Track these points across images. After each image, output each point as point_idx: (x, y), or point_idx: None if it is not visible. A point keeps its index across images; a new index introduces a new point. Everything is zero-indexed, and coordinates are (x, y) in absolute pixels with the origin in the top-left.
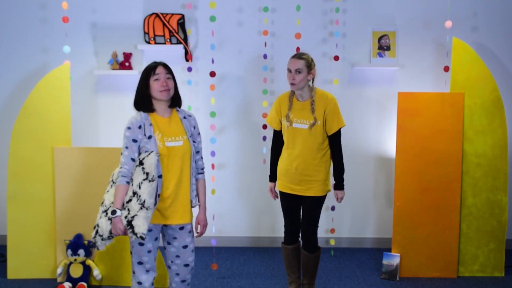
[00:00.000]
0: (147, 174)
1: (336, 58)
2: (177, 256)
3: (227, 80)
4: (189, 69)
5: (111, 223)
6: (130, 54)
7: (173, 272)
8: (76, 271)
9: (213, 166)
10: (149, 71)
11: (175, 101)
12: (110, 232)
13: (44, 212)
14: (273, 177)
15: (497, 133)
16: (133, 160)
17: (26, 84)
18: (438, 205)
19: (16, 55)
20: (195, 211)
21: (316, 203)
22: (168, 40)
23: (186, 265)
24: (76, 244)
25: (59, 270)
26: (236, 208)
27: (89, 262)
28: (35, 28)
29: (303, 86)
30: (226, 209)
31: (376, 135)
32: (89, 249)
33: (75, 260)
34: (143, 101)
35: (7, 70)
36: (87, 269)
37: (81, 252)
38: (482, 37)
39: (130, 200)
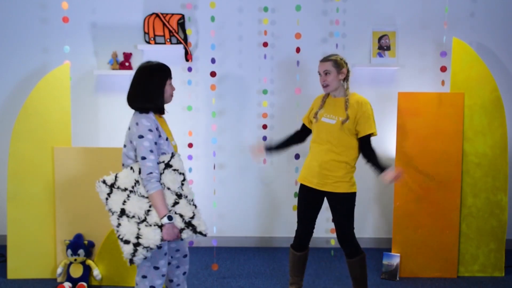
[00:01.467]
0: (183, 174)
1: None
2: (177, 250)
3: (227, 80)
4: (189, 69)
5: (161, 230)
6: (130, 54)
7: (174, 266)
8: (76, 271)
9: (213, 166)
10: (169, 72)
11: None
12: (161, 240)
13: (44, 212)
14: (270, 145)
15: (497, 133)
16: (158, 163)
17: (26, 84)
18: (438, 205)
19: (16, 55)
20: None
21: (340, 202)
22: (168, 40)
23: (185, 256)
24: (76, 244)
25: (59, 270)
26: (237, 208)
27: (89, 262)
28: (35, 28)
29: (337, 86)
30: (227, 209)
31: (376, 135)
32: (89, 249)
33: (75, 260)
34: (160, 102)
35: (7, 70)
36: (87, 269)
37: (81, 252)
38: (482, 37)
39: (176, 203)
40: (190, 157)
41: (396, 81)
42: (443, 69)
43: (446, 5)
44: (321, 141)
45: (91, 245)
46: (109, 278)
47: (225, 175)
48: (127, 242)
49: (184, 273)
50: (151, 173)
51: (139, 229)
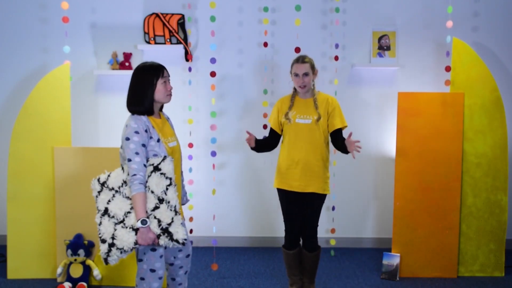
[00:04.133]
0: (170, 179)
1: (336, 58)
2: (180, 250)
3: (227, 80)
4: (189, 69)
5: (136, 233)
6: (130, 54)
7: (177, 266)
8: (76, 271)
9: (213, 166)
10: (158, 72)
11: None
12: (135, 243)
13: (44, 212)
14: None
15: (497, 133)
16: (144, 166)
17: (26, 84)
18: (438, 205)
19: (16, 55)
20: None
21: (316, 201)
22: (168, 40)
23: (188, 256)
24: (76, 244)
25: (59, 270)
26: (236, 208)
27: (89, 262)
28: (35, 28)
29: (310, 87)
30: (226, 209)
31: (376, 135)
32: (89, 249)
33: (75, 260)
34: (148, 103)
35: (7, 70)
36: (87, 269)
37: (81, 252)
38: (482, 37)
39: (157, 208)
40: (190, 157)
41: (396, 81)
42: (448, 69)
43: (449, 4)
44: (298, 142)
45: (91, 245)
46: (109, 278)
47: (225, 175)
48: (103, 241)
49: (186, 272)
50: (135, 175)
51: (115, 229)
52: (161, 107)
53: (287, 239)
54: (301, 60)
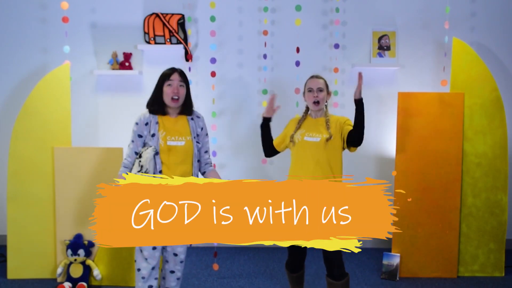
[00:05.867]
0: (141, 167)
1: (336, 58)
2: (175, 255)
3: (227, 80)
4: (189, 69)
5: None
6: (130, 54)
7: (167, 271)
8: (76, 271)
9: (214, 166)
10: (165, 76)
11: (186, 109)
12: None
13: (44, 212)
14: (269, 124)
15: (497, 133)
16: (136, 153)
17: (26, 84)
18: (438, 205)
19: (16, 55)
20: None
21: None
22: (168, 40)
23: (181, 262)
24: (76, 244)
25: (59, 270)
26: None
27: (89, 262)
28: (35, 28)
29: (323, 106)
30: None
31: (376, 135)
32: (89, 249)
33: (75, 260)
34: (156, 105)
35: (7, 70)
36: (87, 269)
37: (81, 252)
38: (482, 37)
39: None
40: None
41: (396, 81)
42: (444, 69)
43: (447, 5)
44: (305, 163)
45: (91, 245)
46: (109, 278)
47: (225, 175)
48: None
49: (178, 279)
50: (124, 158)
51: None
52: (185, 110)
53: (290, 260)
54: (316, 76)
